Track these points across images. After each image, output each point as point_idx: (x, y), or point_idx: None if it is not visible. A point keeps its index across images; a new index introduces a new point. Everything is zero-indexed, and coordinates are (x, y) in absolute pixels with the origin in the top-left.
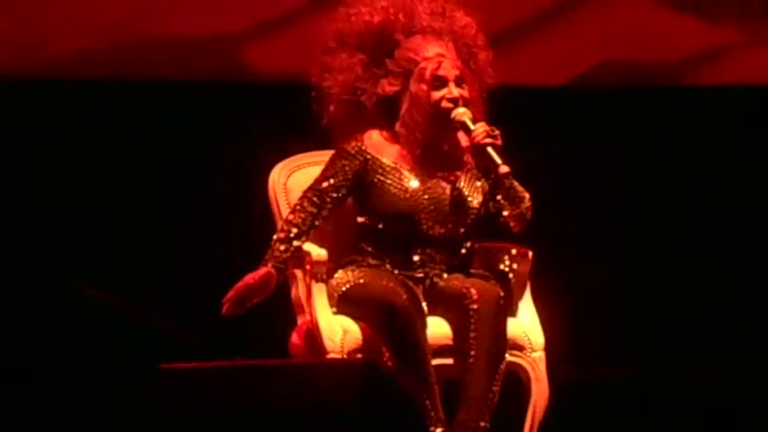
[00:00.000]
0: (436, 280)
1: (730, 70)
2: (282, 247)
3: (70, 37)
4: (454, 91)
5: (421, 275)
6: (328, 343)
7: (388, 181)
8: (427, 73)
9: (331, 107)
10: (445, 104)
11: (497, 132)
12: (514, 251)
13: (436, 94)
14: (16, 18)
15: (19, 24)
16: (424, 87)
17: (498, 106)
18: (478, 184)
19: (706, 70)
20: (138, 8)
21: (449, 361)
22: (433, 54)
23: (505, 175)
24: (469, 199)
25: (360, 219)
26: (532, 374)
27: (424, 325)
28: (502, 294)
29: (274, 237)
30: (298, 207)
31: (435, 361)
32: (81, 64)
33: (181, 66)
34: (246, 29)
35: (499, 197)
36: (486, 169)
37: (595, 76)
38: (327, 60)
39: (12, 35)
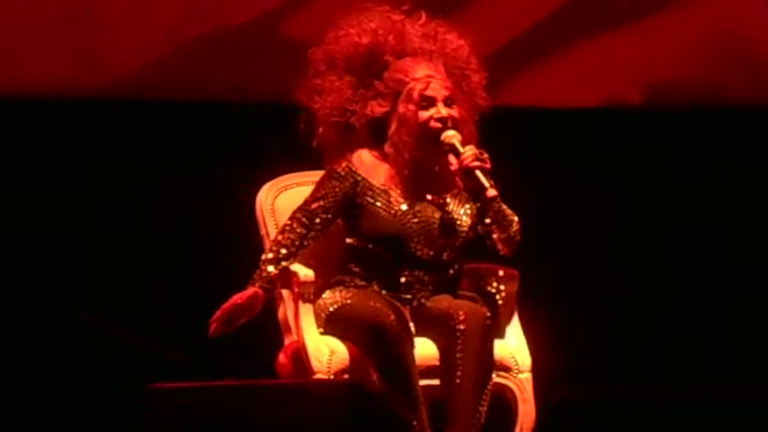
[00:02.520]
0: (423, 301)
1: None
2: (270, 268)
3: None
4: (443, 110)
5: (408, 296)
6: (315, 364)
7: (378, 203)
8: (415, 93)
9: (320, 129)
10: (433, 124)
11: (486, 155)
12: (501, 272)
13: (424, 114)
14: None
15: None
16: (412, 107)
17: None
18: (468, 206)
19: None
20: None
21: (436, 382)
22: (422, 75)
23: (493, 198)
24: (458, 222)
25: (349, 240)
26: (519, 395)
27: (411, 346)
28: (489, 315)
29: (263, 257)
30: (287, 227)
31: (422, 382)
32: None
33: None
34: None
35: (487, 220)
36: (475, 192)
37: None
38: (317, 82)
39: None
